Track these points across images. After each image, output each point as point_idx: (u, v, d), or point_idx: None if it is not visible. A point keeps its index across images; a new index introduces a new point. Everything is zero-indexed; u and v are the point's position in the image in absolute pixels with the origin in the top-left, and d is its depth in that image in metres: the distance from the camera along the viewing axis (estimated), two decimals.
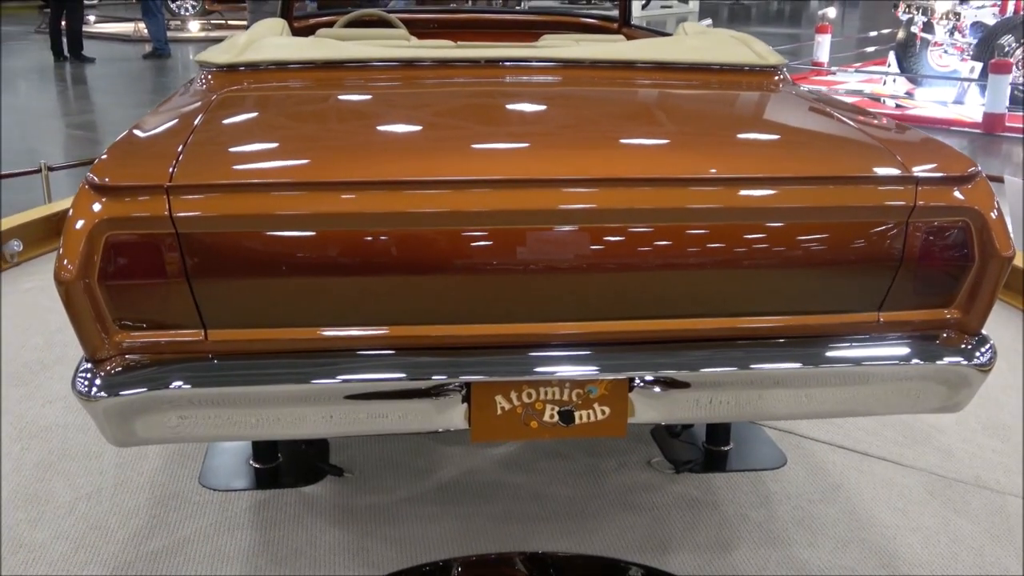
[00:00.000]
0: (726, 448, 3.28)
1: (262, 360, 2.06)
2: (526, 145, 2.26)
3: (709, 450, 3.28)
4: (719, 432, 3.26)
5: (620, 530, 2.85)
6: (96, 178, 1.91)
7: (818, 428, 3.43)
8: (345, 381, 2.06)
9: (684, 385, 2.15)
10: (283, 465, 3.13)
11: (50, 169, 5.65)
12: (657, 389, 2.15)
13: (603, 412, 2.16)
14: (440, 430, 2.14)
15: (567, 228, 2.00)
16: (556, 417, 2.14)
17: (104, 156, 2.05)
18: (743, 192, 2.05)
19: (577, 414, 2.14)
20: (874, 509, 3.00)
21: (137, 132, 2.27)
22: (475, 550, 2.75)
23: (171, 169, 1.92)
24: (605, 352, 2.12)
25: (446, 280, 2.01)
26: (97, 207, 1.88)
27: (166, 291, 1.96)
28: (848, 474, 3.19)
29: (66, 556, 2.70)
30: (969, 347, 2.22)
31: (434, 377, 2.07)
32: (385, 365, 2.08)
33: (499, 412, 2.13)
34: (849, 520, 2.94)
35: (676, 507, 2.98)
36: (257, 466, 3.13)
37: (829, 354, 2.18)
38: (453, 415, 2.12)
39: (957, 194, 2.11)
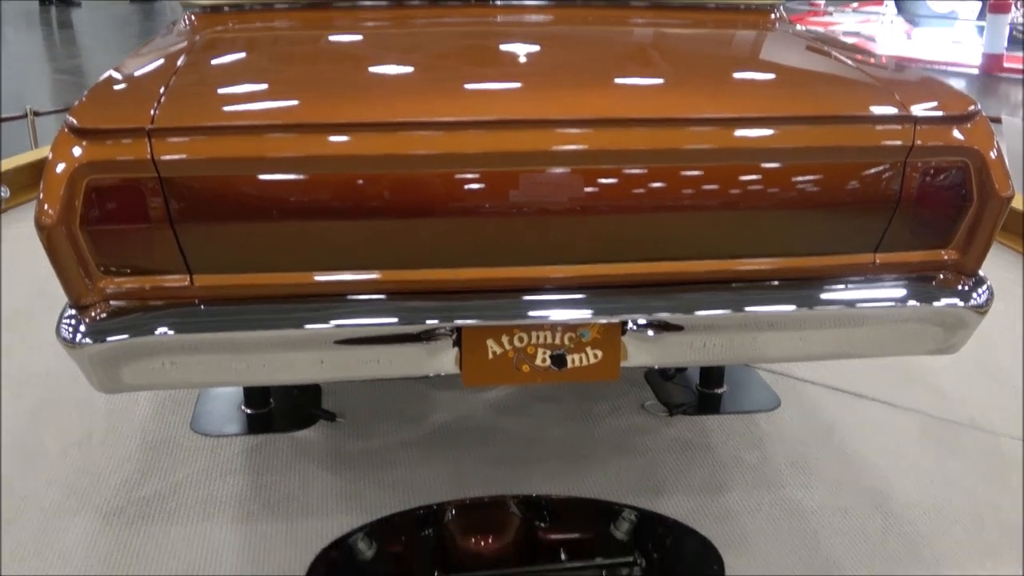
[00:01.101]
0: (720, 390, 3.27)
1: (249, 305, 2.02)
2: (518, 85, 2.20)
3: (702, 392, 3.27)
4: (712, 375, 3.25)
5: (614, 473, 2.85)
6: (76, 121, 1.85)
7: (812, 370, 3.42)
8: (335, 326, 2.02)
9: (677, 328, 2.12)
10: (275, 410, 3.12)
11: (36, 114, 5.57)
12: (650, 332, 2.11)
13: (596, 356, 2.13)
14: (431, 375, 2.11)
15: (560, 169, 1.95)
16: (548, 361, 2.12)
17: (84, 99, 1.99)
18: (739, 132, 2.01)
19: (569, 358, 2.11)
20: (867, 450, 2.99)
21: (118, 74, 2.21)
22: (468, 494, 2.74)
23: (152, 112, 1.87)
24: (598, 295, 2.09)
25: (438, 223, 1.97)
26: (77, 151, 1.83)
27: (150, 236, 1.91)
28: (842, 416, 3.18)
29: (57, 502, 2.69)
30: (966, 288, 2.19)
31: (425, 321, 2.04)
32: (375, 310, 2.05)
33: (490, 356, 2.10)
34: (842, 462, 2.93)
35: (669, 450, 2.98)
36: (249, 411, 3.11)
37: (824, 296, 2.15)
38: (444, 359, 2.09)
39: (956, 134, 2.07)
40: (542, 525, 2.67)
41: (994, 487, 2.83)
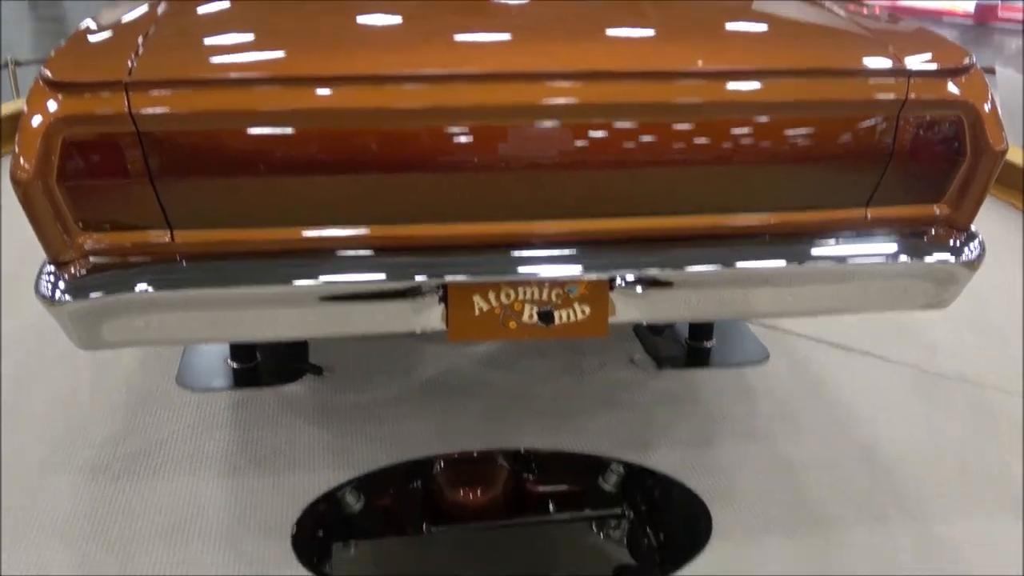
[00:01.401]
0: (709, 344, 3.26)
1: (232, 261, 1.99)
2: (508, 38, 2.16)
3: (691, 346, 3.26)
4: (702, 328, 3.24)
5: (602, 427, 2.84)
6: (50, 74, 1.81)
7: (802, 323, 3.41)
8: (320, 282, 1.99)
9: (666, 284, 2.10)
10: (261, 364, 3.10)
11: (17, 64, 5.47)
12: (639, 288, 2.09)
13: (583, 312, 2.11)
14: (417, 331, 2.08)
15: (550, 123, 1.91)
16: (535, 317, 2.09)
17: (59, 50, 1.94)
18: (730, 85, 1.96)
19: (557, 314, 2.09)
20: (857, 404, 2.99)
21: (94, 24, 2.15)
22: (456, 448, 2.73)
23: (130, 64, 1.82)
24: (586, 251, 2.06)
25: (425, 178, 1.94)
26: (53, 105, 1.78)
27: (129, 192, 1.87)
28: (831, 369, 3.17)
29: (42, 459, 2.67)
30: (958, 244, 2.17)
31: (412, 278, 2.02)
32: (361, 266, 2.02)
33: (477, 312, 2.07)
34: (832, 415, 2.93)
35: (658, 403, 2.97)
36: (235, 365, 3.09)
37: (815, 251, 2.13)
38: (430, 316, 2.07)
39: (951, 87, 2.03)
40: (530, 478, 2.67)
41: (983, 441, 2.83)
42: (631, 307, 2.14)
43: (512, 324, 2.11)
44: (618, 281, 2.10)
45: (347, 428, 2.82)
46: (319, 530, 2.44)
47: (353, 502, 2.54)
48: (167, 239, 1.97)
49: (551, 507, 2.53)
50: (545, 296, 2.09)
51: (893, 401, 3.01)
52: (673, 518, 2.56)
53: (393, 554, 2.41)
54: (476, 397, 2.98)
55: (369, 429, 2.81)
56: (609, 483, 2.65)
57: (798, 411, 2.94)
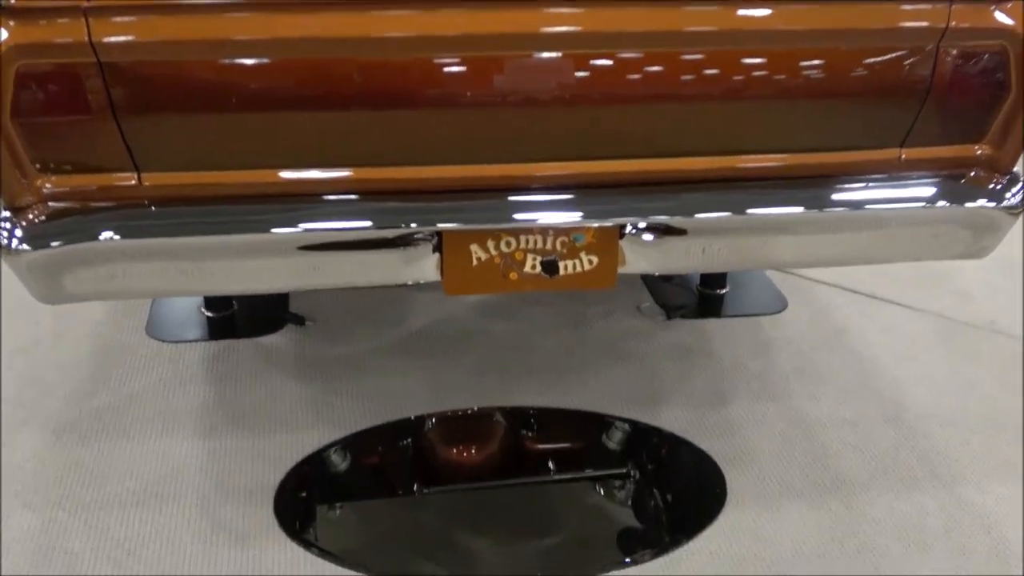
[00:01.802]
0: (721, 291, 3.22)
1: (205, 207, 1.94)
2: None
3: (703, 294, 3.22)
4: (714, 275, 3.20)
5: (607, 382, 2.81)
6: None
7: (822, 269, 3.35)
8: (301, 230, 1.94)
9: (681, 232, 2.05)
10: (238, 313, 3.05)
11: None
12: (651, 237, 2.05)
13: (590, 262, 2.07)
14: (409, 283, 2.05)
15: (550, 54, 1.86)
16: (538, 268, 2.05)
17: None
18: (747, 12, 1.90)
19: (562, 264, 2.06)
20: (880, 356, 2.96)
21: None
22: (449, 405, 2.71)
23: None
24: (593, 196, 2.00)
25: (414, 115, 1.89)
26: (4, 33, 1.72)
27: (90, 130, 1.81)
28: (853, 318, 3.14)
29: (4, 414, 2.64)
30: (999, 187, 2.11)
31: (402, 225, 1.97)
32: (346, 212, 1.97)
33: (475, 263, 2.04)
34: (853, 368, 2.90)
35: (667, 357, 2.94)
36: (209, 315, 3.05)
37: (844, 196, 2.08)
38: (423, 266, 2.03)
39: (996, 15, 1.97)
40: (528, 435, 2.66)
41: (1014, 395, 2.80)
42: (642, 257, 2.10)
43: (513, 275, 2.07)
44: (628, 229, 2.05)
45: (332, 383, 2.78)
46: (303, 494, 2.42)
47: (339, 463, 2.53)
48: (133, 182, 1.91)
49: (551, 466, 2.52)
50: (549, 245, 2.05)
51: (919, 353, 2.98)
52: (683, 481, 2.55)
53: (381, 516, 2.41)
54: (471, 349, 2.94)
55: (355, 384, 2.78)
56: (613, 441, 2.63)
57: (818, 364, 2.91)
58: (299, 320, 3.04)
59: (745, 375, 2.86)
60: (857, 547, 2.28)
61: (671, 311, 3.13)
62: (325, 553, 2.22)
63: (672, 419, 2.67)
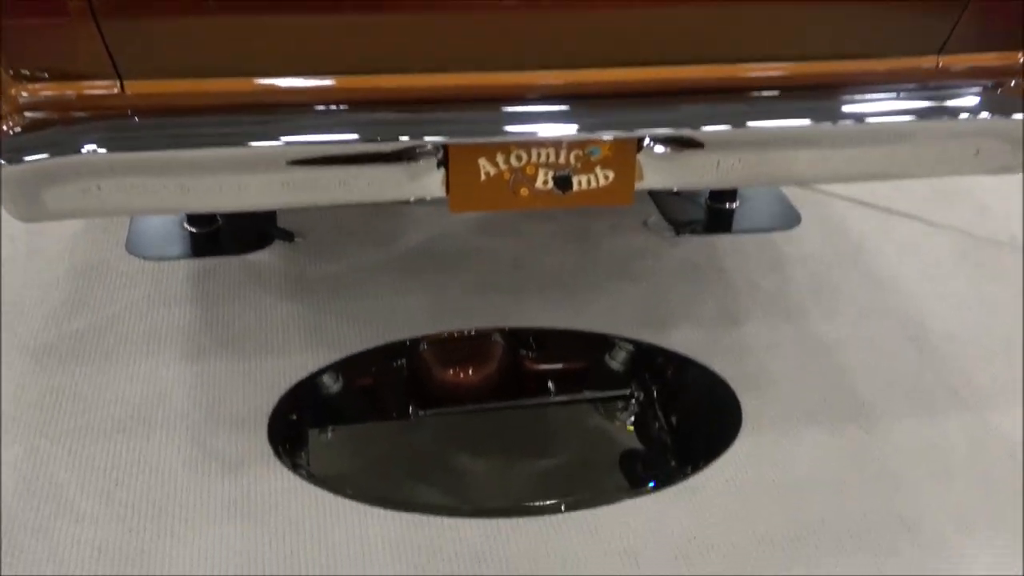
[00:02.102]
0: (732, 206, 3.20)
1: (193, 118, 1.88)
2: None
3: (712, 209, 3.19)
4: (725, 188, 3.17)
5: (613, 302, 2.80)
6: None
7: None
8: (296, 143, 1.90)
9: (702, 145, 2.02)
10: (223, 229, 3.01)
11: None
12: (671, 150, 2.02)
13: (606, 177, 2.04)
14: (411, 200, 2.03)
15: None
16: (551, 183, 2.02)
17: None
18: None
19: (576, 179, 2.02)
20: (900, 274, 2.95)
21: None
22: (448, 327, 2.69)
23: None
24: (610, 106, 1.97)
25: (416, 17, 1.84)
26: None
27: (68, 33, 1.75)
28: (870, 234, 3.13)
29: None
30: None
31: (404, 138, 1.92)
32: (345, 124, 1.92)
33: (483, 178, 2.00)
34: (871, 287, 2.89)
35: (676, 275, 2.92)
36: (193, 230, 3.01)
37: (878, 107, 2.04)
38: (428, 182, 1.99)
39: None
40: (528, 356, 2.66)
41: None
42: (661, 171, 2.06)
43: (524, 191, 2.03)
44: (647, 142, 2.01)
45: (324, 303, 2.76)
46: (297, 419, 2.41)
47: (333, 387, 2.52)
48: (116, 90, 1.85)
49: (551, 388, 2.52)
50: (563, 159, 2.01)
51: (941, 271, 2.97)
52: (696, 405, 2.55)
53: (375, 439, 2.40)
54: (470, 267, 2.92)
55: (349, 305, 2.76)
56: (617, 360, 2.64)
57: (834, 282, 2.90)
58: (288, 236, 3.00)
59: (758, 294, 2.85)
60: (876, 474, 2.28)
61: (679, 227, 3.12)
62: (321, 480, 2.22)
63: (683, 341, 2.66)
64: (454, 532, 2.11)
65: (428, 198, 2.03)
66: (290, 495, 2.18)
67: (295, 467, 2.26)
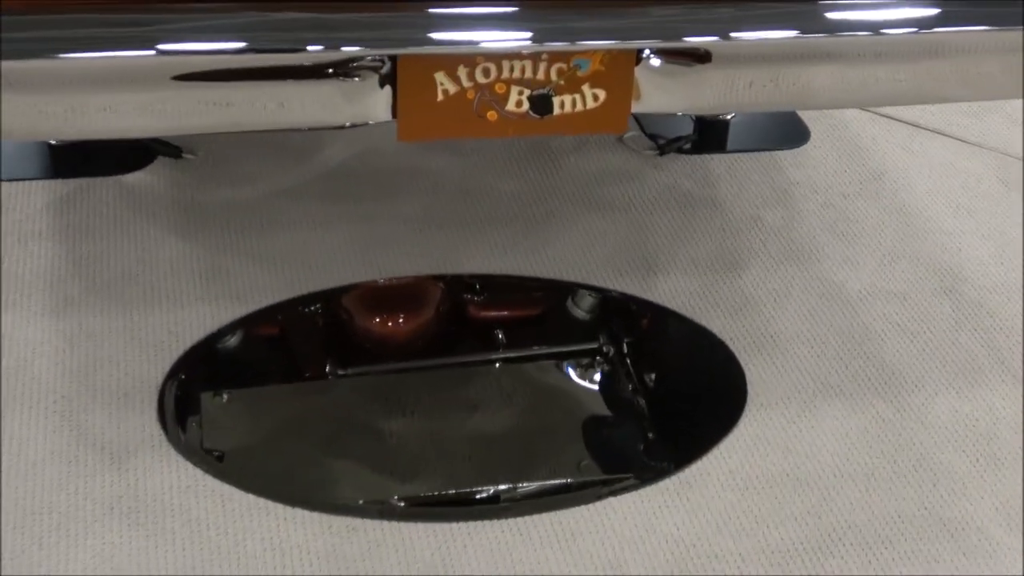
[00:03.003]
0: (727, 118, 3.16)
1: (61, 16, 1.80)
2: None
3: (704, 121, 3.15)
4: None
5: (581, 241, 2.75)
6: None
7: None
8: (191, 51, 1.82)
9: (713, 59, 1.99)
10: (93, 143, 2.88)
11: None
12: (675, 64, 2.01)
13: (595, 98, 2.00)
14: (348, 125, 1.98)
15: None
16: (525, 105, 1.98)
17: None
18: None
19: (557, 101, 1.99)
20: (931, 206, 2.93)
21: None
22: (375, 271, 2.63)
23: None
24: (602, 8, 1.92)
25: None
26: None
27: None
28: (894, 155, 3.11)
29: None
30: None
31: (340, 46, 1.86)
32: (252, 26, 1.83)
33: (440, 98, 1.95)
34: (898, 223, 2.87)
35: (661, 206, 2.88)
36: (54, 143, 2.92)
37: (925, 13, 2.03)
38: (369, 104, 1.95)
39: None
40: (474, 300, 2.65)
41: None
42: (662, 91, 2.05)
43: (491, 115, 1.99)
44: (646, 53, 1.99)
45: (223, 240, 2.69)
46: (192, 390, 2.37)
47: (237, 348, 2.50)
48: None
49: (501, 338, 2.52)
50: (541, 74, 1.96)
51: (979, 201, 2.96)
52: (685, 373, 2.54)
53: (279, 402, 2.38)
54: (409, 194, 2.86)
55: (257, 242, 2.69)
56: (582, 307, 2.63)
57: (853, 217, 2.87)
58: (175, 151, 2.92)
59: (761, 232, 2.81)
60: (914, 463, 2.25)
61: (663, 144, 3.07)
62: (226, 472, 2.17)
63: (669, 291, 2.62)
64: (398, 541, 2.06)
65: (370, 123, 2.00)
66: (189, 492, 2.10)
67: (193, 454, 2.20)
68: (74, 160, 2.89)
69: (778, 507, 2.15)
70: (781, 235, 2.81)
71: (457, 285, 2.63)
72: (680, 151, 3.08)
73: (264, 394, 2.41)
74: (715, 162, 3.05)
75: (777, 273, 2.69)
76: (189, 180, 2.86)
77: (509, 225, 2.80)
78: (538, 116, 2.00)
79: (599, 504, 2.14)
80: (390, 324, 2.56)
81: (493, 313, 2.65)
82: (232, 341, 2.49)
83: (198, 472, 2.15)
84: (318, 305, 2.57)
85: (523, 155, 3.02)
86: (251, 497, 2.11)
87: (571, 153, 3.03)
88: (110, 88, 1.86)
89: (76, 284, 2.53)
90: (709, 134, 3.14)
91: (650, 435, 2.35)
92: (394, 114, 1.97)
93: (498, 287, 2.66)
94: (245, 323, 2.50)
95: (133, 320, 2.45)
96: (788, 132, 3.17)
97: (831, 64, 2.07)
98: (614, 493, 2.18)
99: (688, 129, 3.14)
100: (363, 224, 2.76)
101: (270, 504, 2.10)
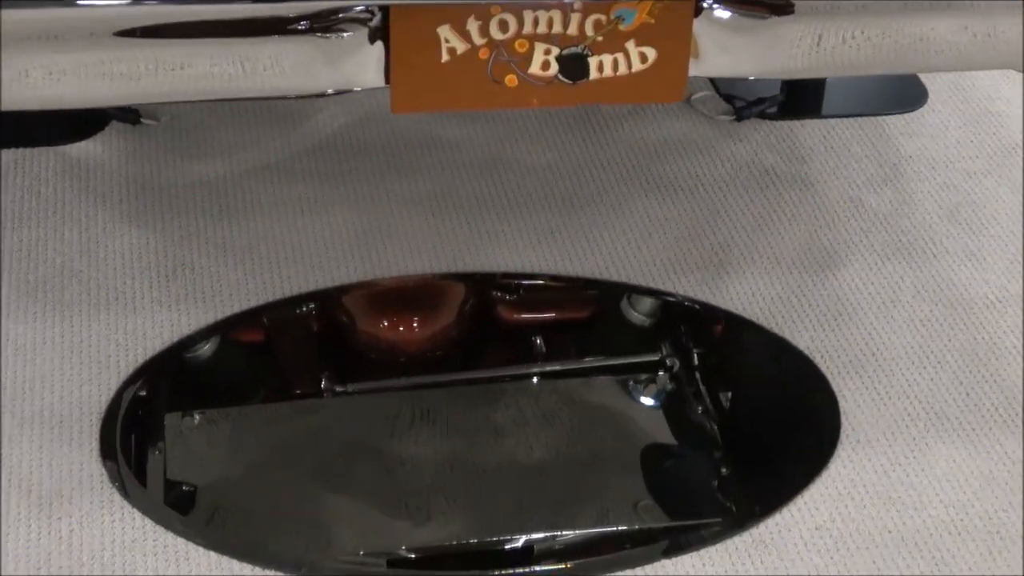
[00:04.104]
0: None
1: None
2: None
3: (794, 80, 3.10)
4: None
5: (636, 230, 2.74)
6: None
7: None
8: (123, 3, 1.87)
9: (791, 8, 2.00)
10: None
11: None
12: (743, 16, 2.01)
13: (642, 58, 1.99)
14: (330, 92, 2.00)
15: None
16: (554, 67, 1.98)
17: None
18: None
19: (594, 62, 1.98)
20: None
21: None
22: (378, 268, 2.63)
23: None
24: None
25: None
26: None
27: None
28: None
29: None
30: None
31: None
32: None
33: (445, 58, 1.96)
34: None
35: (734, 185, 2.88)
36: None
37: None
38: (355, 66, 1.97)
39: None
40: (506, 299, 2.66)
41: None
42: (729, 51, 2.06)
43: (510, 79, 1.99)
44: (708, 2, 1.99)
45: (188, 228, 2.71)
46: (145, 417, 2.38)
47: (204, 363, 2.52)
48: None
49: (538, 349, 2.53)
50: (574, 28, 1.96)
51: None
52: (763, 398, 2.53)
53: (261, 425, 2.41)
54: (418, 170, 2.89)
55: (227, 231, 2.71)
56: (639, 312, 2.63)
57: (981, 202, 2.87)
58: (131, 116, 2.95)
59: (863, 219, 2.80)
60: None
61: (742, 107, 3.08)
62: (186, 524, 2.16)
63: (747, 294, 2.62)
64: None
65: (356, 90, 2.02)
66: (137, 550, 2.09)
67: (143, 499, 2.20)
68: (9, 127, 2.91)
69: (878, 574, 2.12)
70: (888, 224, 2.79)
71: (484, 284, 2.65)
72: (763, 116, 3.09)
73: (243, 415, 2.43)
74: (807, 130, 3.05)
75: (882, 273, 2.67)
76: (148, 152, 2.88)
77: (545, 210, 2.79)
78: (570, 81, 2.00)
79: (659, 565, 2.13)
80: (401, 329, 2.56)
81: (530, 316, 2.67)
82: (203, 351, 2.50)
83: (149, 524, 2.13)
84: (311, 306, 2.58)
85: (562, 121, 3.02)
86: (219, 558, 2.10)
87: (624, 118, 3.03)
88: (38, 48, 1.88)
89: (8, 280, 2.55)
90: (799, 95, 3.15)
91: (723, 470, 2.36)
92: (387, 79, 1.98)
93: (527, 286, 2.68)
94: (216, 330, 2.51)
95: (74, 328, 2.46)
96: (899, 93, 3.17)
97: (950, 16, 2.06)
98: (677, 549, 2.16)
99: (773, 89, 3.14)
100: (364, 208, 2.76)
101: (245, 568, 2.09)
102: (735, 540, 2.16)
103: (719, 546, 2.15)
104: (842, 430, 2.35)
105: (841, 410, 2.38)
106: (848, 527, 2.18)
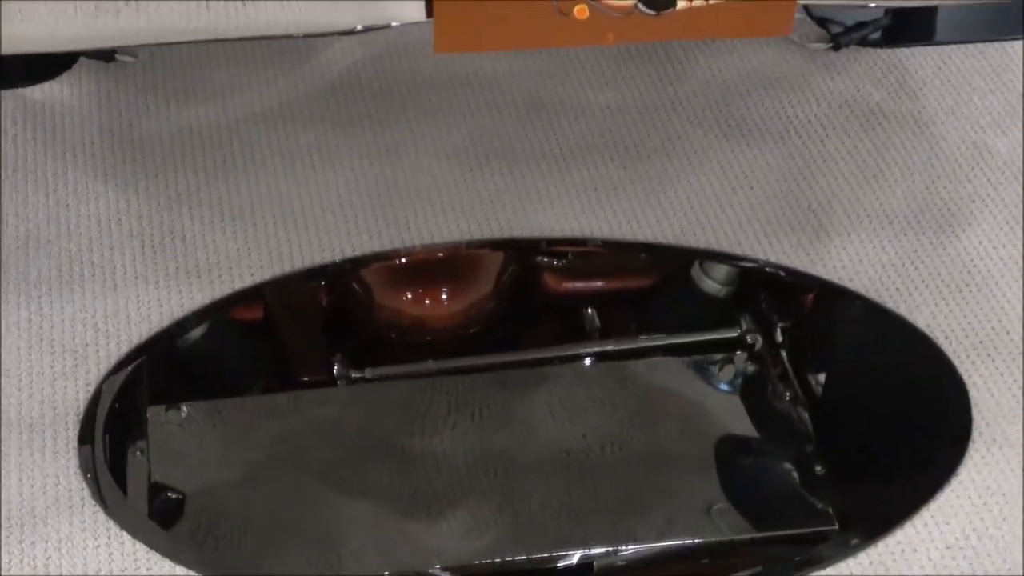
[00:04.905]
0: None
1: None
2: None
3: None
4: None
5: (715, 184, 2.73)
6: None
7: None
8: None
9: None
10: None
11: None
12: None
13: None
14: (359, 28, 2.01)
15: None
16: None
17: None
18: None
19: None
20: None
21: None
22: (403, 234, 2.61)
23: None
24: None
25: None
26: None
27: None
28: None
29: None
30: None
31: None
32: None
33: None
34: None
35: (833, 128, 2.86)
36: None
37: None
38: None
39: None
40: (554, 266, 2.66)
41: None
42: None
43: (580, 9, 1.96)
44: None
45: (175, 188, 2.70)
46: (131, 417, 2.37)
47: (197, 337, 2.52)
48: None
49: (592, 325, 2.56)
50: None
51: None
52: (874, 386, 2.50)
53: (262, 419, 2.41)
54: (447, 118, 2.88)
55: (222, 191, 2.70)
56: (714, 281, 2.63)
57: None
58: (105, 52, 2.94)
59: (991, 167, 2.78)
60: None
61: (841, 33, 3.07)
62: (176, 543, 2.17)
63: (850, 260, 2.58)
64: None
65: (393, 24, 2.02)
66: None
67: (128, 514, 2.20)
68: None
69: None
70: (1012, 177, 2.77)
71: (526, 254, 2.65)
72: (864, 43, 3.08)
73: (241, 408, 2.44)
74: (917, 59, 3.04)
75: (1016, 233, 2.65)
76: (126, 96, 2.89)
77: (604, 162, 2.78)
78: (653, 12, 1.97)
79: None
80: (428, 302, 2.57)
81: (581, 285, 2.68)
82: (193, 334, 2.50)
83: (141, 548, 2.13)
84: (321, 281, 2.60)
85: (624, 52, 3.02)
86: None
87: (699, 49, 3.03)
88: None
89: None
90: (908, 17, 3.14)
91: (818, 468, 2.35)
92: (429, 13, 1.97)
93: (577, 254, 2.68)
94: (211, 311, 2.51)
95: (43, 312, 2.46)
96: None
97: None
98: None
99: (877, 11, 3.12)
100: (385, 161, 2.76)
101: None
102: (848, 563, 2.12)
103: (827, 572, 2.13)
104: (974, 426, 2.31)
105: (972, 402, 2.35)
106: (985, 544, 2.15)
